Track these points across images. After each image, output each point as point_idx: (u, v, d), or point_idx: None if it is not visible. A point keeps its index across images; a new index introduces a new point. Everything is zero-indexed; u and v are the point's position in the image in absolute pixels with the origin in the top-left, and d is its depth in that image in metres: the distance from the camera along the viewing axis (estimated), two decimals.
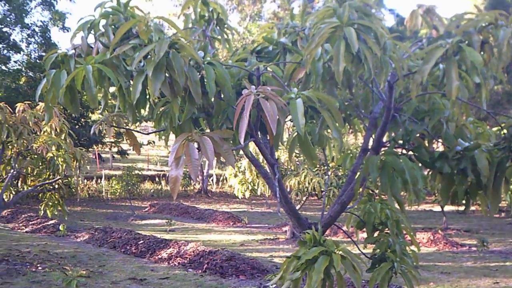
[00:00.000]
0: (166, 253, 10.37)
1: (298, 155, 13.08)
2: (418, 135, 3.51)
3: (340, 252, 2.93)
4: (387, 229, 4.17)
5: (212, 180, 30.38)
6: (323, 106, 2.97)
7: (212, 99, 3.31)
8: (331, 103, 2.93)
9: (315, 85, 3.29)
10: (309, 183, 12.40)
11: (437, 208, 22.67)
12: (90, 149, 28.56)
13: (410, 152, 3.57)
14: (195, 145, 2.95)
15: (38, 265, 9.40)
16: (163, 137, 4.07)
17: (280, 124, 2.86)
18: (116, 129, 4.24)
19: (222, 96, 3.31)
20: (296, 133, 4.19)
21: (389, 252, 3.81)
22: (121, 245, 11.70)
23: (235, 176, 13.31)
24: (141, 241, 11.46)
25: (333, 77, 3.26)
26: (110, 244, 12.05)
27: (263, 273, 8.91)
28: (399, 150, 3.55)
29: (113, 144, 30.35)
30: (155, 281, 8.49)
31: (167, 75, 3.03)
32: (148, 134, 4.36)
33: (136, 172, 25.87)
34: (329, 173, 12.73)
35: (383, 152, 3.34)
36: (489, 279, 9.17)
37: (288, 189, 13.18)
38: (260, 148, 3.46)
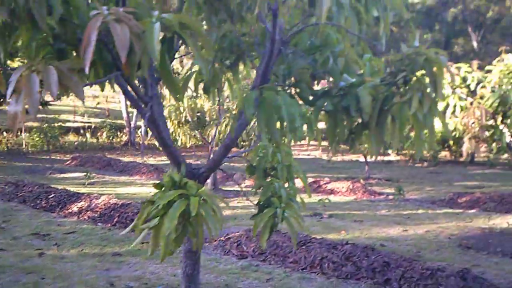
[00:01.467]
0: (77, 207, 9.90)
1: (221, 102, 12.69)
2: (308, 71, 3.25)
3: (203, 196, 2.65)
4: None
5: (141, 132, 29.60)
6: (188, 31, 2.61)
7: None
8: (196, 28, 2.58)
9: (189, 11, 2.92)
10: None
11: (363, 158, 23.10)
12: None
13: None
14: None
15: None
16: None
17: (135, 51, 2.49)
18: None
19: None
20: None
21: (274, 198, 3.59)
22: (31, 199, 11.08)
23: None
24: (52, 195, 10.89)
25: (209, 2, 2.91)
26: (20, 198, 11.39)
27: None
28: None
29: None
30: (59, 236, 8.05)
31: None
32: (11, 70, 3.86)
33: (59, 124, 24.78)
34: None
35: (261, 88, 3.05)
36: (399, 227, 9.34)
37: (210, 139, 12.86)
38: (129, 83, 3.08)
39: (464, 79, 8.29)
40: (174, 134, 12.77)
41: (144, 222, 2.65)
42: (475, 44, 27.55)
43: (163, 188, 2.70)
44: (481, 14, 28.25)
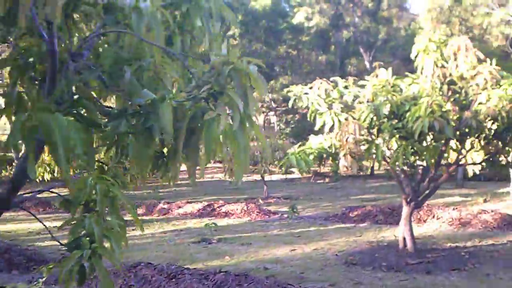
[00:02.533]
0: None
1: None
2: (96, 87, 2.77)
3: None
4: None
5: None
6: None
7: None
8: None
9: None
10: None
11: (267, 178, 22.79)
12: None
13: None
14: None
15: None
16: None
17: None
18: None
19: None
20: None
21: (84, 238, 3.06)
22: None
23: None
24: None
25: None
26: None
27: (42, 264, 7.84)
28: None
29: None
30: None
31: None
32: None
33: None
34: None
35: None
36: (287, 246, 9.06)
37: None
38: None
39: (341, 94, 8.19)
40: (51, 166, 11.88)
41: None
42: (367, 63, 28.59)
43: None
44: (371, 35, 29.45)
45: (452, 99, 7.79)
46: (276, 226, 11.43)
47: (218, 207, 13.61)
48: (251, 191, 19.92)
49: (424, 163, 8.31)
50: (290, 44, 31.39)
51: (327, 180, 24.05)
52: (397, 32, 29.97)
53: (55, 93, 2.56)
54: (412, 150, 7.58)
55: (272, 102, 33.33)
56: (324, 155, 8.12)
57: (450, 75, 7.72)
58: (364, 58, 29.42)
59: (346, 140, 7.37)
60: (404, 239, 8.48)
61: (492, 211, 11.32)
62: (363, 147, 7.84)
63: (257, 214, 12.83)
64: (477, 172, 9.20)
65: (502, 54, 22.52)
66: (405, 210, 8.50)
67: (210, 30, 3.42)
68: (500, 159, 8.88)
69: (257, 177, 25.03)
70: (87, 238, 3.16)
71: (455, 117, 7.60)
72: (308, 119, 8.15)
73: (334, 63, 30.89)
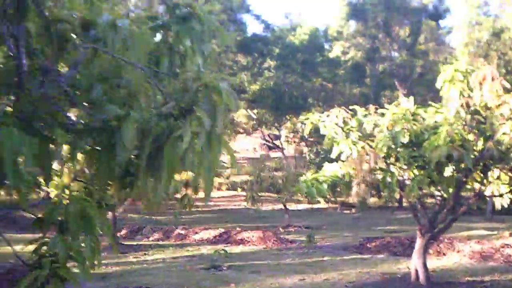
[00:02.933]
0: None
1: None
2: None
3: None
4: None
5: None
6: None
7: None
8: None
9: None
10: None
11: (293, 207, 22.27)
12: None
13: None
14: None
15: None
16: None
17: None
18: None
19: None
20: None
21: (46, 258, 2.94)
22: None
23: None
24: None
25: None
26: None
27: None
28: None
29: None
30: None
31: None
32: None
33: None
34: None
35: None
36: (297, 276, 8.77)
37: None
38: None
39: (360, 123, 7.95)
40: None
41: None
42: (402, 96, 28.20)
43: None
44: (407, 69, 29.16)
45: (476, 130, 7.48)
46: (290, 255, 11.11)
47: (234, 234, 13.37)
48: (274, 219, 19.55)
49: (445, 194, 7.97)
50: (325, 77, 31.52)
51: (353, 210, 23.54)
52: (433, 66, 29.49)
53: (15, 107, 2.43)
54: (428, 180, 7.28)
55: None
56: (339, 184, 7.87)
57: (474, 104, 7.43)
58: (400, 91, 29.02)
59: (362, 169, 7.13)
60: (417, 271, 8.12)
61: None
62: (378, 176, 7.58)
63: (273, 243, 12.54)
64: (505, 205, 8.77)
65: None
66: (419, 241, 8.16)
67: (203, 51, 3.29)
68: None
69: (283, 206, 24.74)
70: (51, 258, 3.05)
71: (478, 148, 7.31)
72: (325, 147, 7.95)
73: (368, 95, 30.58)
